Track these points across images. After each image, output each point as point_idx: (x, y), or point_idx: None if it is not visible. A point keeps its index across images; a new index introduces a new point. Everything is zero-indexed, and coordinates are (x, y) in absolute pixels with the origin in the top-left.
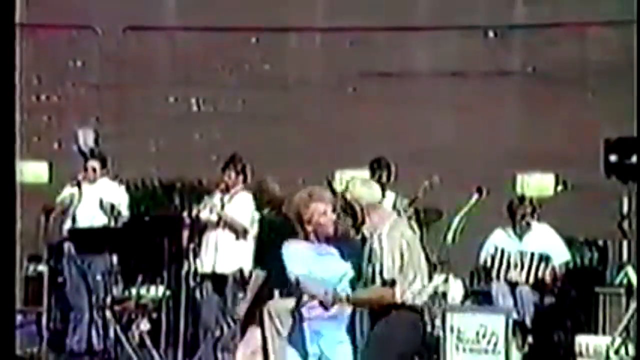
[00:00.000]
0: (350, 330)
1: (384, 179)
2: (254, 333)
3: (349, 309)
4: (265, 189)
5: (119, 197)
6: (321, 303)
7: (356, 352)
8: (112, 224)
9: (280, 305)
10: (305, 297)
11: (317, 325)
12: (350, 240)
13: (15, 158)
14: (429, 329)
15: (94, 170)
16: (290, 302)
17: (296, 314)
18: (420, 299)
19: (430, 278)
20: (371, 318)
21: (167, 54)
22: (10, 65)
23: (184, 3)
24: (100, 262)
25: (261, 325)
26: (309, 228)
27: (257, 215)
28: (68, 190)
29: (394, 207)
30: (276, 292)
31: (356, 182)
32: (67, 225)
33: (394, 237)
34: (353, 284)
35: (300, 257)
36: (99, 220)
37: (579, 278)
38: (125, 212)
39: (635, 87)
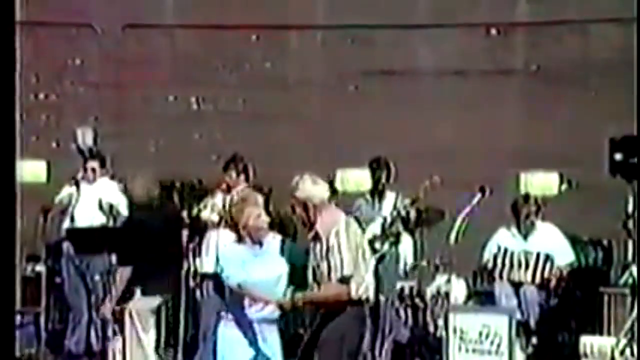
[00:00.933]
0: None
1: (384, 178)
2: None
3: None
4: (132, 188)
5: (118, 197)
6: (267, 304)
7: (302, 351)
8: (111, 223)
9: (141, 304)
10: (246, 300)
11: (262, 327)
12: (288, 239)
13: (15, 158)
14: (431, 329)
15: (93, 170)
16: (153, 302)
17: (240, 316)
18: (370, 293)
19: (433, 278)
20: (324, 315)
21: (167, 52)
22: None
23: (184, 1)
24: (99, 262)
25: (121, 325)
26: (244, 232)
27: None
28: (67, 190)
29: (395, 206)
30: (138, 291)
31: (306, 181)
32: (66, 225)
33: (349, 234)
34: (299, 282)
35: (238, 260)
36: (98, 220)
37: (583, 278)
38: (124, 212)
39: (637, 85)
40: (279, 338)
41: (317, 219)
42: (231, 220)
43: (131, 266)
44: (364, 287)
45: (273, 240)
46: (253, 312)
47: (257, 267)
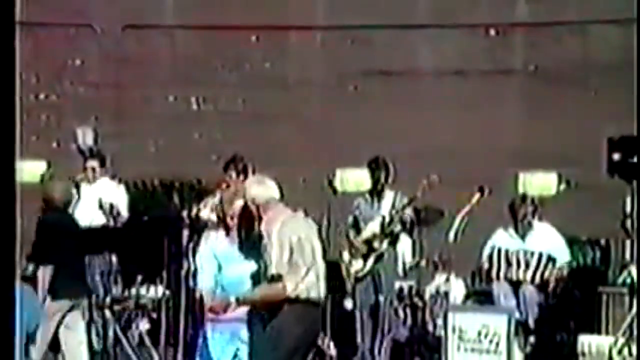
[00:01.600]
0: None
1: (382, 178)
2: None
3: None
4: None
5: (119, 196)
6: (211, 310)
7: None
8: (112, 223)
9: (53, 307)
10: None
11: (222, 328)
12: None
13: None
14: (430, 328)
15: (93, 169)
16: (65, 305)
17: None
18: (315, 292)
19: (432, 277)
20: (266, 315)
21: (167, 52)
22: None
23: (184, 2)
24: (99, 261)
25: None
26: (232, 223)
27: None
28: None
29: (393, 206)
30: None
31: (251, 182)
32: None
33: (283, 233)
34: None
35: (219, 257)
36: (98, 220)
37: (581, 278)
38: (124, 212)
39: (637, 85)
40: (243, 340)
41: (262, 218)
42: (222, 213)
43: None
44: (303, 287)
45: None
46: (211, 316)
47: (241, 264)
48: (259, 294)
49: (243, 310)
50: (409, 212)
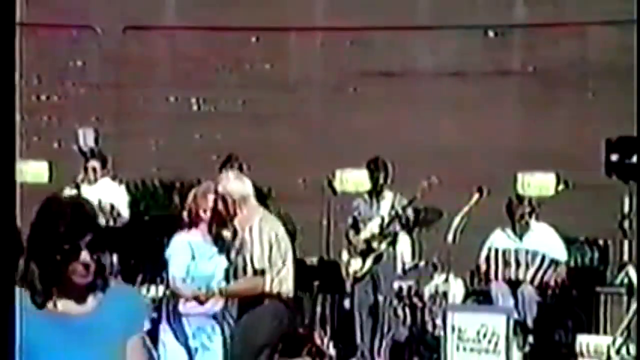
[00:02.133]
0: (224, 322)
1: (381, 178)
2: None
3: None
4: None
5: (119, 197)
6: (196, 299)
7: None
8: (112, 224)
9: None
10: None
11: (197, 320)
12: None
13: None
14: (429, 328)
15: (94, 170)
16: None
17: (172, 311)
18: (286, 287)
19: (432, 277)
20: (241, 308)
21: (168, 53)
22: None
23: (184, 3)
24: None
25: None
26: (205, 216)
27: None
28: (67, 191)
29: (392, 206)
30: None
31: (229, 176)
32: None
33: (264, 229)
34: (227, 276)
35: (188, 251)
36: (99, 220)
37: (580, 278)
38: (125, 213)
39: (636, 86)
40: (220, 332)
41: (236, 214)
42: (195, 206)
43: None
44: (277, 281)
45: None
46: (188, 307)
47: (211, 258)
48: (241, 288)
49: (216, 303)
50: (408, 213)
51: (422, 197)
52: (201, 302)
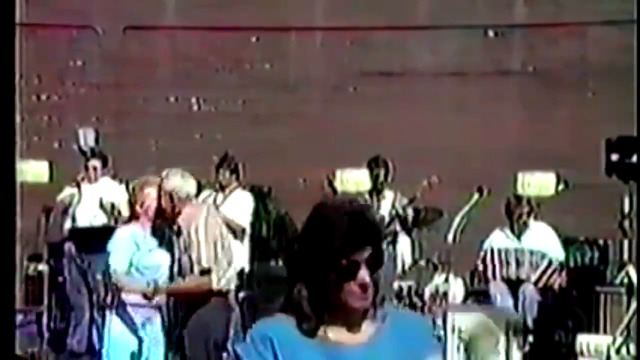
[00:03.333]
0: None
1: (382, 177)
2: None
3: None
4: None
5: (120, 196)
6: (144, 295)
7: (172, 341)
8: (113, 223)
9: None
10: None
11: (145, 312)
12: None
13: (15, 158)
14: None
15: (95, 169)
16: None
17: (122, 304)
18: (233, 286)
19: (432, 277)
20: (188, 306)
21: (168, 53)
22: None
23: (184, 3)
24: (100, 261)
25: None
26: (141, 211)
27: (251, 215)
28: (68, 190)
29: (393, 206)
30: None
31: (176, 174)
32: (67, 225)
33: (209, 229)
34: (172, 273)
35: (130, 244)
36: (100, 219)
37: (580, 277)
38: (125, 212)
39: (636, 86)
40: (160, 325)
41: (181, 212)
42: (134, 200)
43: None
44: (225, 278)
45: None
46: (131, 298)
47: (151, 252)
48: (189, 286)
49: (159, 301)
50: (408, 212)
51: (423, 196)
52: (148, 299)
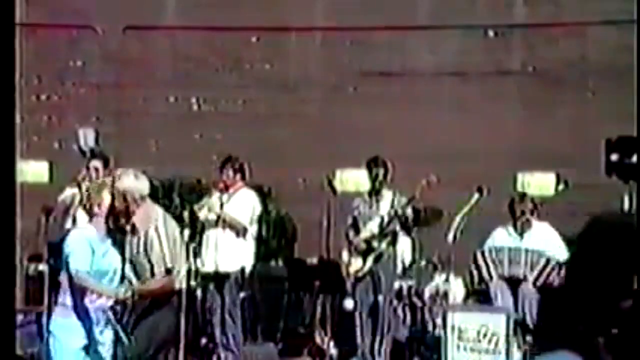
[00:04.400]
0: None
1: (381, 177)
2: None
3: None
4: None
5: None
6: (115, 302)
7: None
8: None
9: None
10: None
11: (97, 311)
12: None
13: (15, 158)
14: (429, 328)
15: (96, 169)
16: None
17: (79, 304)
18: (184, 285)
19: (432, 277)
20: (147, 306)
21: (168, 53)
22: (10, 65)
23: (184, 3)
24: None
25: None
26: (99, 211)
27: (257, 213)
28: (69, 191)
29: (392, 206)
30: None
31: (129, 174)
32: (68, 225)
33: (167, 229)
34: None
35: (86, 246)
36: None
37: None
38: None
39: (635, 86)
40: (111, 328)
41: (134, 212)
42: (87, 200)
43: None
44: (179, 278)
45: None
46: (88, 302)
47: (105, 255)
48: (155, 287)
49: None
50: (408, 212)
51: (421, 196)
52: (116, 302)
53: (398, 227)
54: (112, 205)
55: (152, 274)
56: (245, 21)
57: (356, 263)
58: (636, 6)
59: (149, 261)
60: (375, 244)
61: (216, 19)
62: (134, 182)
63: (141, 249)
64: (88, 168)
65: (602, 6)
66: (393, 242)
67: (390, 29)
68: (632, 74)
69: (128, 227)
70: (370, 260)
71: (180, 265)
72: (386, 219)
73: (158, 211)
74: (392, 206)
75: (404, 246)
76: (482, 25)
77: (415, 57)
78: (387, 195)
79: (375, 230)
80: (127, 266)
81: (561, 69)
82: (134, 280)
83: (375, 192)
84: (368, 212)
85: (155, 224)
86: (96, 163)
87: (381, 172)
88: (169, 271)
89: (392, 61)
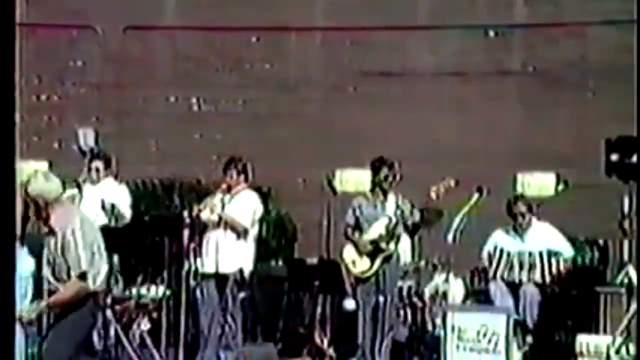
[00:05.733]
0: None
1: (390, 178)
2: None
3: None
4: None
5: (122, 198)
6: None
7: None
8: (114, 224)
9: None
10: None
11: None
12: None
13: (15, 158)
14: (429, 328)
15: (97, 170)
16: None
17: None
18: (105, 287)
19: (432, 277)
20: (61, 313)
21: (168, 53)
22: (10, 65)
23: (184, 3)
24: None
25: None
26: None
27: (258, 215)
28: (70, 191)
29: (397, 207)
30: None
31: (39, 176)
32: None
33: (85, 231)
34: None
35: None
36: (101, 220)
37: (580, 277)
38: (127, 214)
39: (636, 86)
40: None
41: (50, 214)
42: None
43: None
44: (99, 279)
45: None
46: None
47: (21, 261)
48: (67, 296)
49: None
50: (415, 214)
51: (438, 199)
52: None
53: (402, 229)
54: (25, 211)
55: (69, 276)
56: (245, 21)
57: (362, 264)
58: (636, 6)
59: (67, 264)
60: (383, 245)
61: (216, 19)
62: (44, 185)
63: (59, 250)
64: (90, 169)
65: (602, 6)
66: (396, 243)
67: (390, 29)
68: (632, 74)
69: (46, 229)
70: (378, 262)
71: (99, 268)
72: (393, 220)
73: (74, 213)
74: (397, 207)
75: (404, 246)
76: (482, 25)
77: (415, 57)
78: (391, 196)
79: (383, 231)
80: (46, 268)
81: (561, 69)
82: (52, 280)
83: (381, 193)
84: (372, 213)
85: (73, 227)
86: (97, 163)
87: (387, 174)
88: (82, 275)
89: (392, 61)
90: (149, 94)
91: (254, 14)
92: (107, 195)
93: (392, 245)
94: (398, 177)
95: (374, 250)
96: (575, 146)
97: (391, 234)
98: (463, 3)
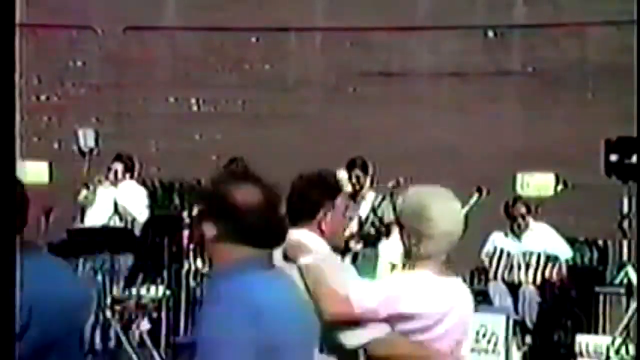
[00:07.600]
0: None
1: (362, 179)
2: None
3: None
4: None
5: (139, 200)
6: None
7: None
8: (129, 226)
9: None
10: None
11: None
12: None
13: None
14: None
15: (115, 172)
16: None
17: None
18: None
19: None
20: None
21: (168, 54)
22: (10, 65)
23: (184, 3)
24: (99, 261)
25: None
26: None
27: None
28: (85, 192)
29: (372, 207)
30: None
31: None
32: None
33: None
34: None
35: None
36: (113, 222)
37: (579, 278)
38: (142, 217)
39: (636, 87)
40: None
41: None
42: None
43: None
44: None
45: None
46: None
47: None
48: None
49: None
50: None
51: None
52: None
53: (376, 228)
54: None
55: None
56: (245, 21)
57: None
58: (636, 6)
59: None
60: (352, 244)
61: (216, 19)
62: None
63: None
64: (109, 168)
65: (602, 6)
66: (374, 243)
67: (390, 29)
68: (632, 74)
69: None
70: (346, 260)
71: None
72: (365, 220)
73: None
74: (372, 208)
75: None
76: (482, 25)
77: (415, 57)
78: (369, 196)
79: (354, 230)
80: None
81: (561, 70)
82: None
83: (357, 193)
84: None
85: None
86: (117, 165)
87: (361, 173)
88: None
89: (392, 61)
90: (149, 95)
91: (253, 14)
92: (124, 198)
93: (359, 246)
94: (372, 177)
95: (344, 250)
96: (575, 146)
97: (362, 234)
98: (463, 3)
